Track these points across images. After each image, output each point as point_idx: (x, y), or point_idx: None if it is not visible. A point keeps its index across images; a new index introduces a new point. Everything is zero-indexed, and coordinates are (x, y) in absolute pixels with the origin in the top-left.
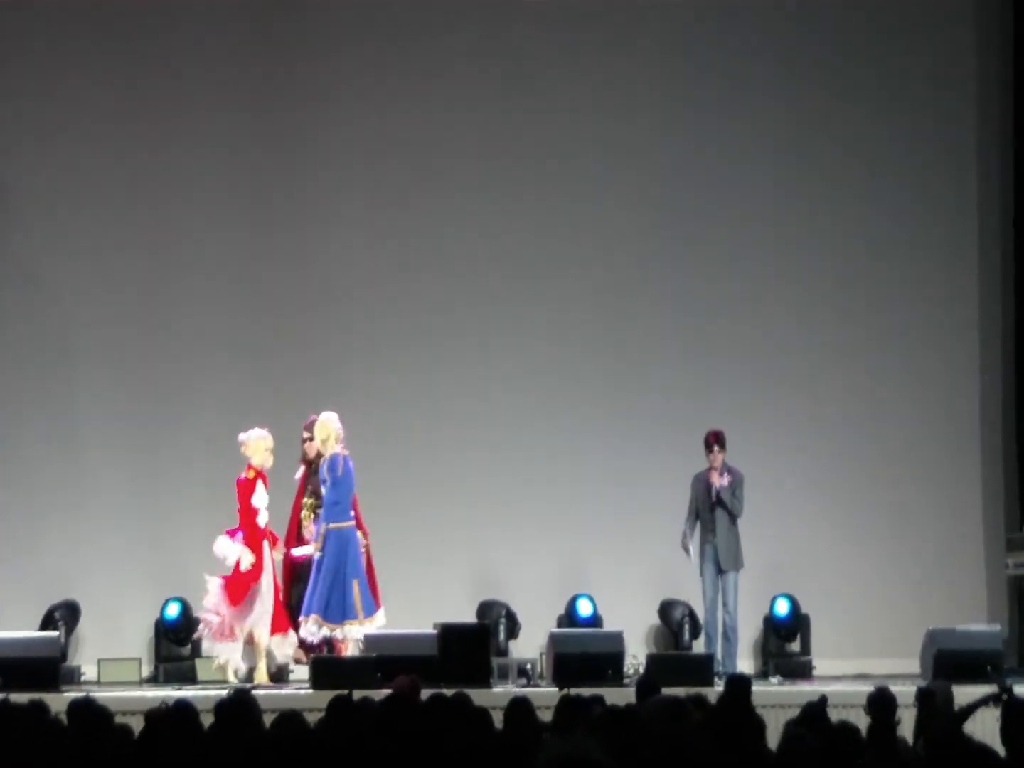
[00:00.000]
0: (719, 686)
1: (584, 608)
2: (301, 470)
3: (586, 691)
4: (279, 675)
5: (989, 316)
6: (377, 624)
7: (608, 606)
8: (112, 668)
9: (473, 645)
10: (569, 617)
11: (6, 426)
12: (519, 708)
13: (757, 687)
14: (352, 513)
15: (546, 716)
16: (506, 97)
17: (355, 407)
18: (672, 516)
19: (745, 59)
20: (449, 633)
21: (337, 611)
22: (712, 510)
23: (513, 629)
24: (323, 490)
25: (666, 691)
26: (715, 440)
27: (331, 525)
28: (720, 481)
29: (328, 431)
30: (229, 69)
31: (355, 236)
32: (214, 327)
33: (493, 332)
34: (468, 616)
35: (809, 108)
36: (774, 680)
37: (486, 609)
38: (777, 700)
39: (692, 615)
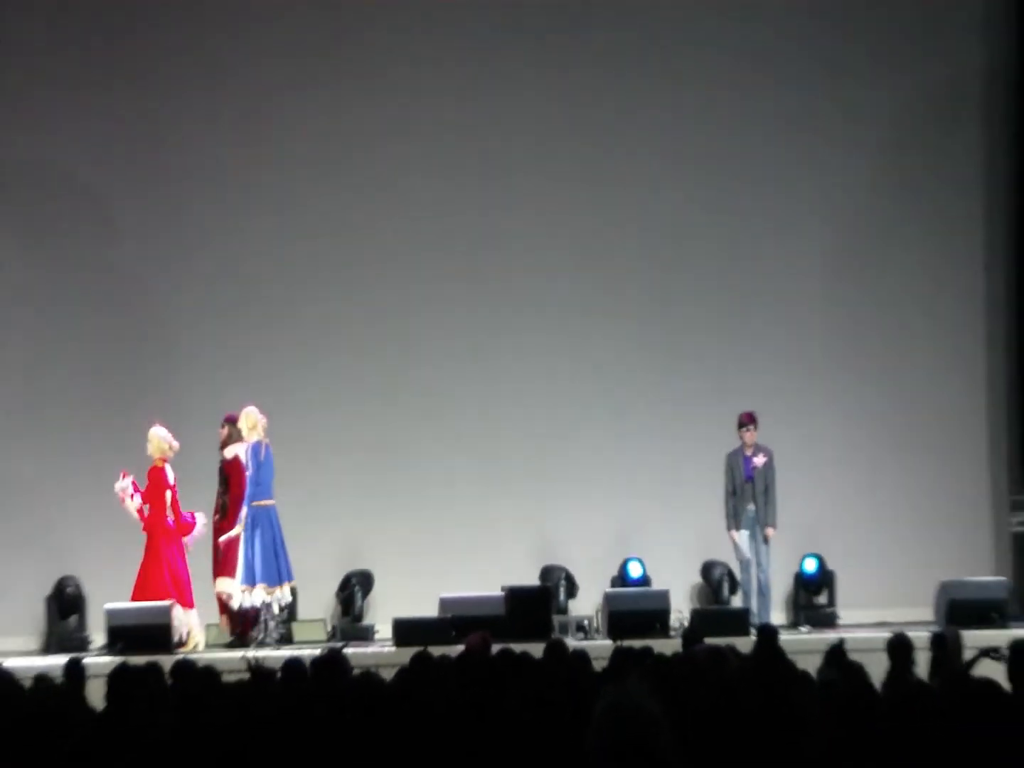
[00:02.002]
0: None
1: (634, 570)
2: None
3: (637, 643)
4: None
5: (992, 301)
6: (287, 594)
7: (655, 568)
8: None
9: (536, 605)
10: (621, 578)
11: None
12: (578, 660)
13: (789, 636)
14: (271, 492)
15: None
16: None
17: (430, 394)
18: (710, 487)
19: (771, 66)
20: (515, 595)
21: (275, 575)
22: (749, 481)
23: (572, 590)
24: (247, 474)
25: (708, 641)
26: (749, 420)
27: (255, 503)
28: (758, 462)
29: (252, 421)
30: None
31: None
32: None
33: (556, 322)
34: (531, 579)
35: (834, 117)
36: (803, 629)
37: (547, 573)
38: (807, 647)
39: (730, 574)
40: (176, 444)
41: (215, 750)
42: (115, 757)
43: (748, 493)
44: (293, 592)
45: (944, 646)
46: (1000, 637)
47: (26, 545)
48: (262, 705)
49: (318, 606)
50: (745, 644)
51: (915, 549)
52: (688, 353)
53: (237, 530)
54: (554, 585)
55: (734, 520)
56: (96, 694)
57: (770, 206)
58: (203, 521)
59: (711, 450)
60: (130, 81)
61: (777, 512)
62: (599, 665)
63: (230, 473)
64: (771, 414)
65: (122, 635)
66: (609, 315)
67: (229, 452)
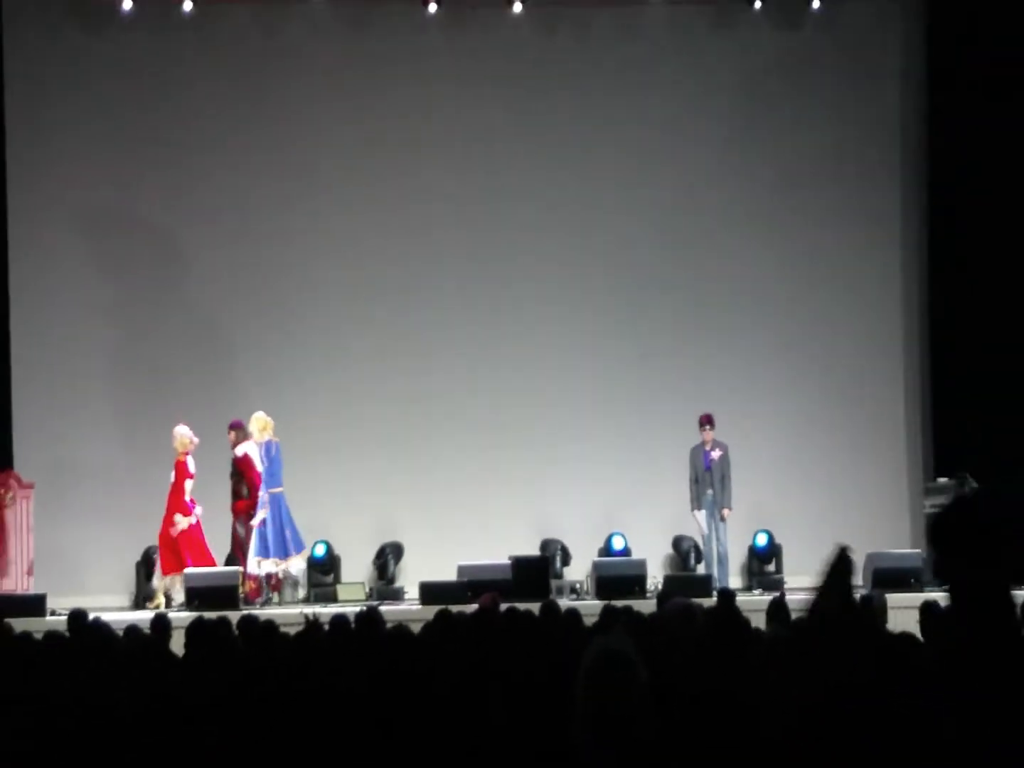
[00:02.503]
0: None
1: (617, 542)
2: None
3: (620, 603)
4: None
5: (908, 311)
6: (300, 563)
7: (635, 540)
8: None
9: (537, 571)
10: (607, 549)
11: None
12: (571, 616)
13: (743, 597)
14: (281, 481)
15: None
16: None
17: (448, 399)
18: (680, 474)
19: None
20: (519, 563)
21: (283, 550)
22: (708, 471)
23: (566, 559)
24: (261, 467)
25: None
26: (707, 421)
27: (271, 491)
28: (715, 455)
29: (261, 424)
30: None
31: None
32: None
33: (555, 329)
34: (533, 550)
35: (767, 126)
36: (756, 592)
37: (546, 545)
38: (758, 607)
39: (696, 547)
40: (196, 440)
41: (276, 687)
42: (193, 695)
43: (707, 481)
44: (331, 560)
45: (871, 607)
46: (916, 599)
47: (120, 519)
48: (313, 650)
49: (358, 571)
50: (708, 604)
51: (847, 525)
52: (660, 363)
53: (263, 514)
54: (552, 555)
55: (696, 502)
56: (176, 642)
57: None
58: (199, 511)
59: (680, 444)
60: (189, 137)
61: (731, 496)
62: (589, 620)
63: (242, 467)
64: (729, 411)
65: (198, 594)
66: (597, 325)
67: (240, 450)
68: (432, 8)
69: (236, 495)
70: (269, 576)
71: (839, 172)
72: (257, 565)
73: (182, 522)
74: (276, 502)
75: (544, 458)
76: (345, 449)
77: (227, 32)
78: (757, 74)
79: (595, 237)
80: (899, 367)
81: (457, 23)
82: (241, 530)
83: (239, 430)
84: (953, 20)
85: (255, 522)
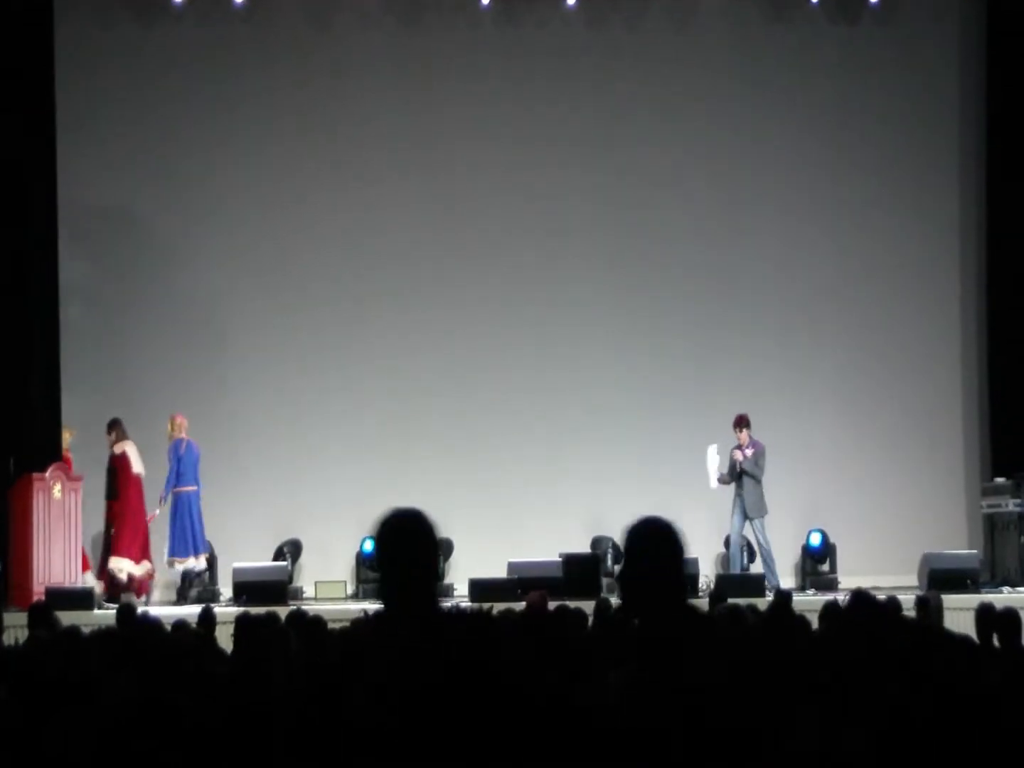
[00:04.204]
0: (768, 597)
1: None
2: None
3: None
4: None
5: (966, 300)
6: (202, 563)
7: (686, 539)
8: (325, 588)
9: (588, 569)
10: None
11: (247, 410)
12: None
13: (798, 597)
14: (194, 480)
15: None
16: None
17: (501, 396)
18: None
19: (768, 83)
20: (570, 560)
21: (185, 549)
22: (743, 471)
23: (617, 556)
24: (137, 468)
25: (730, 601)
26: (740, 422)
27: (178, 489)
28: (740, 456)
29: (176, 424)
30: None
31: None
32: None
33: (606, 327)
34: (584, 547)
35: (822, 120)
36: (810, 592)
37: (597, 542)
38: (812, 607)
39: (748, 546)
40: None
41: (326, 680)
42: (240, 685)
43: (741, 480)
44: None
45: (927, 607)
46: (972, 600)
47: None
48: (360, 646)
49: None
50: (761, 604)
51: (903, 526)
52: (712, 360)
53: (156, 512)
54: (602, 552)
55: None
56: (222, 636)
57: (762, 222)
58: None
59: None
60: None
61: (764, 502)
62: None
63: (118, 466)
64: (776, 411)
65: (245, 589)
66: (651, 322)
67: (118, 449)
68: (485, 0)
69: (110, 493)
70: (131, 577)
71: (896, 166)
72: (170, 564)
73: None
74: (185, 501)
75: (596, 455)
76: (394, 446)
77: (278, 24)
78: (813, 68)
79: (644, 232)
80: (957, 365)
81: (510, 16)
82: (109, 529)
83: (117, 429)
84: (1012, 12)
85: (149, 518)
